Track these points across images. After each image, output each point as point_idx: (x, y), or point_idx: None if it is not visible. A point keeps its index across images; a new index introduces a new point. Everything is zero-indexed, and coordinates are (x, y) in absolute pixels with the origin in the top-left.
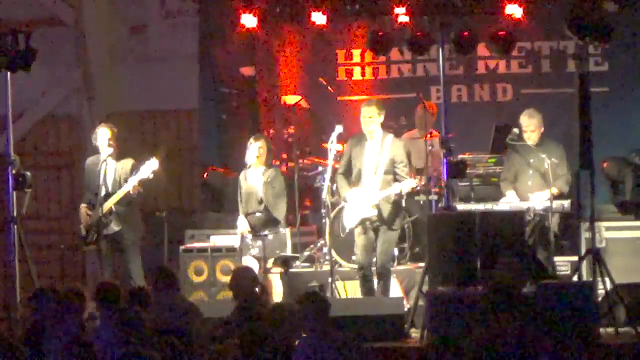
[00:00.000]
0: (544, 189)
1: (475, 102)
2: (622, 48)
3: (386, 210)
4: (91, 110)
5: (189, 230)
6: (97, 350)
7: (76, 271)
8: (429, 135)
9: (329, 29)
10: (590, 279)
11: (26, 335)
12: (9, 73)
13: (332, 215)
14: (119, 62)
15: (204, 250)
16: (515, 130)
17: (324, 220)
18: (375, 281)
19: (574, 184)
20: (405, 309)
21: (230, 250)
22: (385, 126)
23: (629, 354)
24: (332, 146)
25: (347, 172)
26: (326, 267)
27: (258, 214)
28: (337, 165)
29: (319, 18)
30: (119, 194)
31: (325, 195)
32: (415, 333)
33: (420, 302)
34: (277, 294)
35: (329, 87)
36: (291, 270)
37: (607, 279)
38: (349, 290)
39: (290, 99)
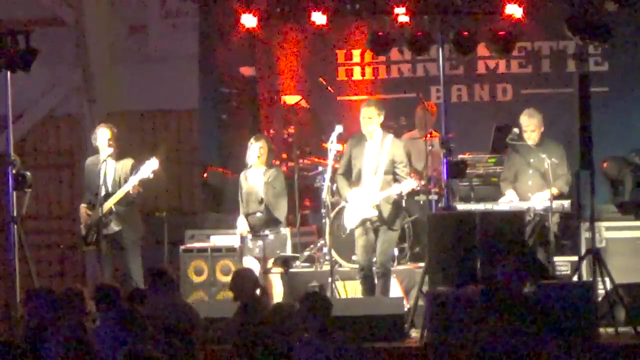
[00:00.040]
0: (544, 188)
1: (475, 102)
2: (622, 48)
3: (386, 210)
4: (91, 110)
5: (189, 230)
6: (97, 350)
7: (76, 271)
8: (429, 136)
9: (329, 29)
10: (590, 279)
11: (25, 335)
12: (9, 73)
13: (332, 215)
14: (119, 62)
15: (204, 250)
16: (516, 130)
17: (324, 220)
18: (376, 281)
19: (574, 184)
20: (405, 309)
21: (230, 250)
22: (385, 126)
23: (629, 354)
24: (332, 146)
25: (347, 173)
26: (326, 267)
27: (259, 214)
28: (337, 165)
29: (319, 18)
30: (119, 194)
31: (325, 195)
32: (415, 333)
33: (420, 302)
34: (277, 294)
35: (329, 87)
36: (291, 270)
37: (607, 279)
38: (349, 290)
39: (290, 99)
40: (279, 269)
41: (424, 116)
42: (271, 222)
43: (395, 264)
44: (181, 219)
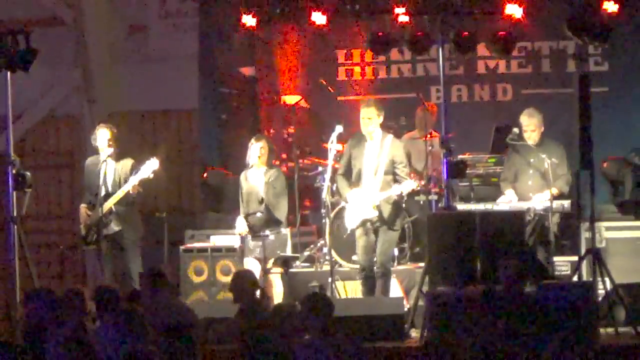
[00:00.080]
0: (544, 188)
1: (475, 102)
2: (622, 48)
3: (386, 210)
4: (91, 110)
5: (189, 230)
6: (97, 350)
7: (76, 271)
8: (428, 136)
9: (329, 29)
10: (590, 279)
11: (25, 336)
12: (9, 73)
13: (332, 215)
14: (119, 62)
15: (204, 250)
16: (515, 130)
17: (324, 220)
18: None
19: (574, 184)
20: (405, 309)
21: (230, 250)
22: (385, 126)
23: (629, 354)
24: (332, 146)
25: (347, 173)
26: (326, 267)
27: (259, 214)
28: (337, 165)
29: (319, 18)
30: (119, 194)
31: (325, 195)
32: (415, 333)
33: (420, 302)
34: (278, 294)
35: (329, 87)
36: (291, 270)
37: (607, 279)
38: (349, 290)
39: (290, 99)
40: (279, 269)
41: (424, 116)
42: (271, 222)
43: (395, 264)
44: (181, 219)
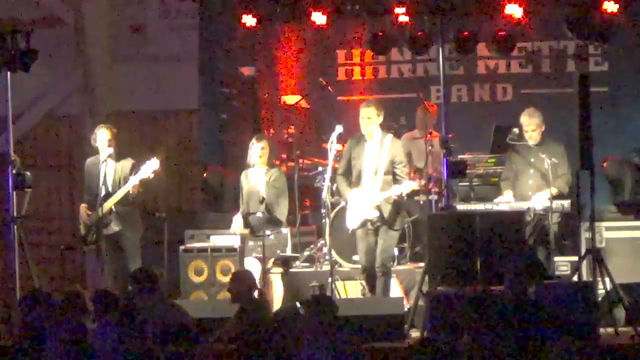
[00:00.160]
0: (545, 188)
1: (475, 102)
2: (622, 48)
3: (387, 210)
4: (91, 110)
5: (189, 230)
6: (97, 350)
7: (76, 271)
8: (429, 136)
9: (329, 29)
10: (590, 279)
11: (24, 336)
12: (9, 73)
13: (332, 215)
14: (119, 62)
15: (204, 250)
16: (515, 130)
17: (324, 220)
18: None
19: (574, 184)
20: (405, 309)
21: (230, 250)
22: (385, 126)
23: (629, 354)
24: (332, 146)
25: (347, 173)
26: (326, 267)
27: (259, 214)
28: (337, 165)
29: (319, 18)
30: (119, 194)
31: (325, 195)
32: (415, 333)
33: (420, 302)
34: (278, 294)
35: (329, 87)
36: (291, 270)
37: (607, 279)
38: (349, 290)
39: (290, 99)
40: (279, 269)
41: (424, 117)
42: (272, 222)
43: (395, 264)
44: (181, 219)
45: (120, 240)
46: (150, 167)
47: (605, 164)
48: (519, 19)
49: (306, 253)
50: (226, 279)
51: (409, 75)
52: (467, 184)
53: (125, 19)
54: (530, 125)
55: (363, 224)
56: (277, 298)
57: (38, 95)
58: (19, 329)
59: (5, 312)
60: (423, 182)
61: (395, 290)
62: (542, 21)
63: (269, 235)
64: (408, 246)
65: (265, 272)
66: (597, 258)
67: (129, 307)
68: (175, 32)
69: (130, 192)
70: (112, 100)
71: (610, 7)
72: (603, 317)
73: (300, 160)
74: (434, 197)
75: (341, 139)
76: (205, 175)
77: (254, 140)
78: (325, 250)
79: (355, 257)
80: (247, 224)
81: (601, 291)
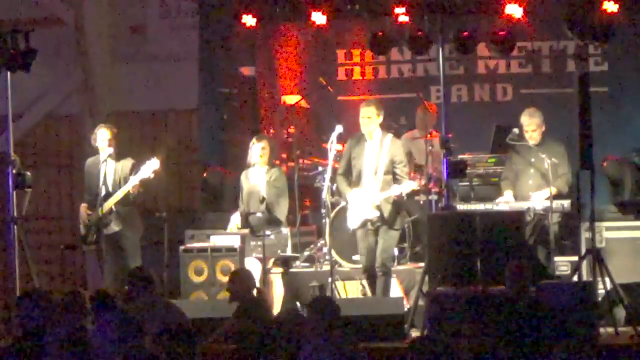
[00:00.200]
0: (545, 188)
1: (475, 102)
2: (622, 48)
3: (387, 210)
4: (91, 110)
5: (189, 230)
6: (96, 351)
7: (76, 271)
8: (429, 136)
9: (329, 29)
10: (590, 279)
11: (24, 336)
12: (9, 73)
13: (332, 215)
14: (119, 62)
15: (204, 250)
16: (515, 130)
17: (324, 220)
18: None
19: (574, 184)
20: (405, 309)
21: (230, 250)
22: (385, 126)
23: (629, 354)
24: (332, 146)
25: (347, 173)
26: (326, 267)
27: (259, 214)
28: (337, 165)
29: (319, 18)
30: (119, 194)
31: (325, 195)
32: (415, 333)
33: (420, 302)
34: (278, 294)
35: (329, 87)
36: (291, 270)
37: (607, 279)
38: (349, 290)
39: (290, 99)
40: (279, 269)
41: (424, 117)
42: (272, 222)
43: (395, 264)
44: (181, 219)
45: (121, 240)
46: (150, 167)
47: (605, 164)
48: (519, 19)
49: (306, 253)
50: (226, 279)
51: (409, 75)
52: (467, 184)
53: (125, 19)
54: (531, 125)
55: (363, 224)
56: (277, 298)
57: (38, 95)
58: (15, 330)
59: (5, 312)
60: (423, 181)
61: (395, 290)
62: (542, 21)
63: (269, 235)
64: (408, 246)
65: (265, 272)
66: (597, 258)
67: (126, 307)
68: (175, 31)
69: (131, 192)
70: (112, 100)
71: (610, 7)
72: (603, 317)
73: (300, 160)
74: (434, 197)
75: (341, 139)
76: (205, 175)
77: (254, 140)
78: (325, 250)
79: (355, 257)
80: (247, 224)
81: (601, 291)
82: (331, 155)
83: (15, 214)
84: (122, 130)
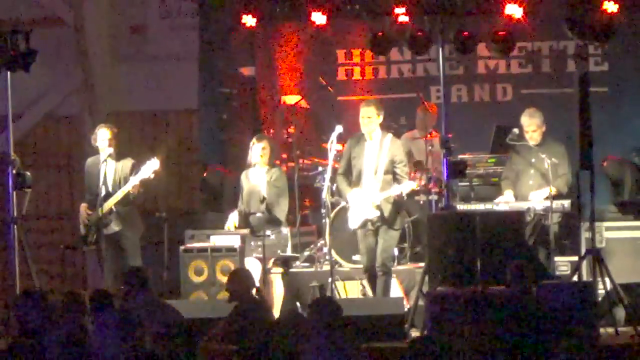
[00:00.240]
0: (545, 188)
1: (475, 102)
2: (622, 48)
3: (387, 210)
4: (91, 110)
5: (189, 230)
6: (97, 350)
7: (76, 271)
8: (429, 136)
9: (329, 29)
10: (590, 279)
11: (21, 335)
12: (9, 73)
13: (332, 215)
14: (119, 62)
15: (204, 250)
16: (515, 130)
17: (324, 220)
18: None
19: (574, 184)
20: (405, 309)
21: (230, 250)
22: (385, 126)
23: (629, 354)
24: (332, 146)
25: (347, 173)
26: (326, 267)
27: (259, 214)
28: (337, 165)
29: (319, 18)
30: (119, 194)
31: (325, 195)
32: (415, 333)
33: (420, 302)
34: (278, 294)
35: (329, 87)
36: (291, 270)
37: (607, 279)
38: (349, 290)
39: (290, 99)
40: (279, 269)
41: (424, 117)
42: (272, 222)
43: (395, 264)
44: (181, 219)
45: (121, 240)
46: (151, 167)
47: (605, 164)
48: (519, 19)
49: (306, 253)
50: (226, 279)
51: (409, 75)
52: (467, 184)
53: (125, 19)
54: (531, 125)
55: (364, 224)
56: (277, 298)
57: (38, 95)
58: (13, 330)
59: (5, 312)
60: (423, 181)
61: (395, 290)
62: (542, 21)
63: (269, 235)
64: (408, 246)
65: (265, 272)
66: (597, 258)
67: (125, 307)
68: (175, 32)
69: (131, 192)
70: (112, 100)
71: (610, 7)
72: (603, 317)
73: (300, 160)
74: (434, 197)
75: (341, 139)
76: (205, 175)
77: (254, 140)
78: (325, 250)
79: (355, 257)
80: (247, 224)
81: (601, 291)
82: (331, 155)
83: (15, 214)
84: (122, 130)
